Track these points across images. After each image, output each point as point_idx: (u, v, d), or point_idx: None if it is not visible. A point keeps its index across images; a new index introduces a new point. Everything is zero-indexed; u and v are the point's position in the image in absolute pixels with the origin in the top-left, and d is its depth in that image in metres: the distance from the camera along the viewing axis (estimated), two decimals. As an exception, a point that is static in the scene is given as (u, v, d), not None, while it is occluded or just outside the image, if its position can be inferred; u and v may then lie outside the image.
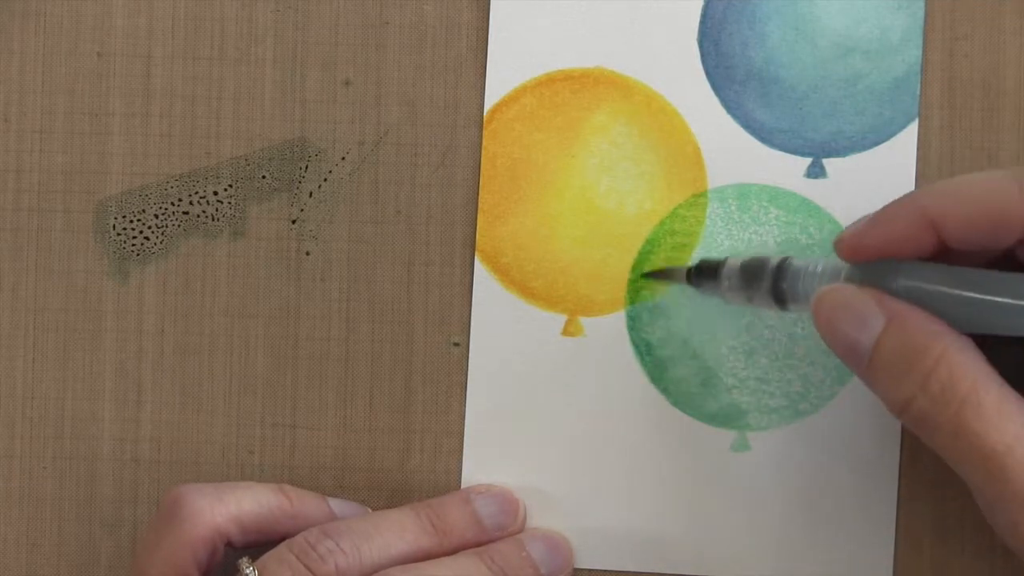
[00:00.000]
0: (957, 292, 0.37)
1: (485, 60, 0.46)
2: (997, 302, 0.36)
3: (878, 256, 0.39)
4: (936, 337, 0.37)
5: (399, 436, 0.46)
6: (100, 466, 0.46)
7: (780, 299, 0.41)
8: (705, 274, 0.43)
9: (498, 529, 0.44)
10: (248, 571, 0.41)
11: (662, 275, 0.45)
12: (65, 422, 0.46)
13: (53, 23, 0.46)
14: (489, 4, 0.46)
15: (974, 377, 0.36)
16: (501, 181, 0.46)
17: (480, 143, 0.46)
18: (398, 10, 0.46)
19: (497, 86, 0.46)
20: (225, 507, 0.42)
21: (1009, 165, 0.46)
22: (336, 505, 0.44)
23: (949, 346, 0.36)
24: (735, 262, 0.42)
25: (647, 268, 0.45)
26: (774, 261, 0.41)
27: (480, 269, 0.46)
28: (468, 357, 0.46)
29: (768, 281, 0.41)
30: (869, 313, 0.38)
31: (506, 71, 0.46)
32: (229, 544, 0.43)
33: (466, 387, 0.46)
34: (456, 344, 0.46)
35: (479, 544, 0.43)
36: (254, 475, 0.46)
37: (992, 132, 0.46)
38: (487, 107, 0.46)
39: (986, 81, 0.46)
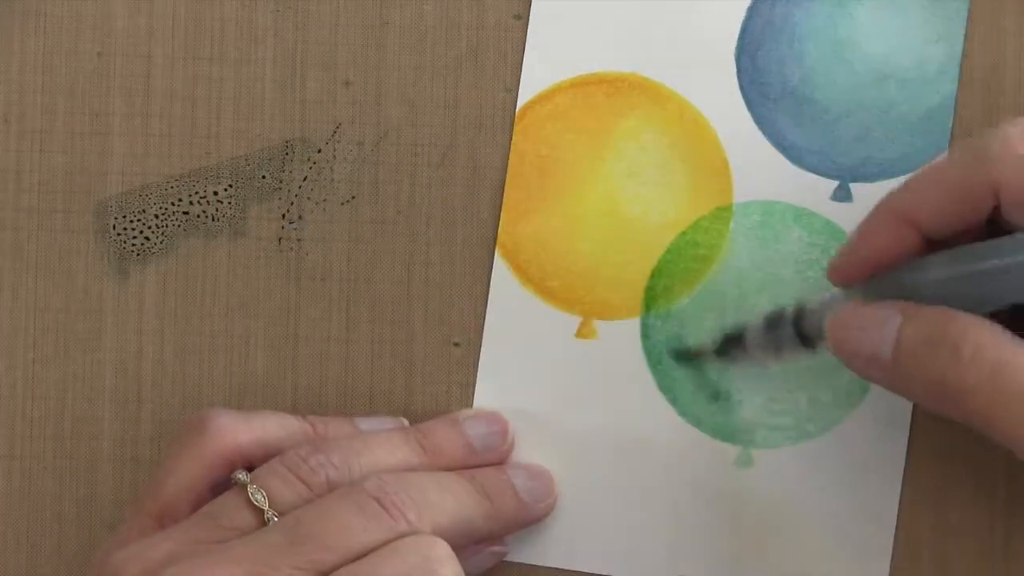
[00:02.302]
0: (956, 270, 0.38)
1: (485, 61, 0.46)
2: (994, 266, 0.38)
3: (870, 272, 0.41)
4: (955, 315, 0.38)
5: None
6: (100, 466, 0.46)
7: (805, 341, 0.42)
8: (731, 342, 0.44)
9: (487, 451, 0.44)
10: (240, 476, 0.41)
11: (690, 354, 0.45)
12: (65, 422, 0.46)
13: (53, 23, 0.46)
14: (530, 4, 0.46)
15: (1002, 340, 0.38)
16: (528, 178, 0.46)
17: (481, 143, 0.46)
18: (398, 10, 0.46)
19: (531, 84, 0.46)
20: (249, 428, 0.42)
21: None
22: (367, 424, 0.44)
23: (969, 319, 0.38)
24: (756, 323, 0.43)
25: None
26: (790, 307, 0.43)
27: (499, 264, 0.46)
28: (479, 351, 0.46)
29: (789, 327, 0.42)
30: (885, 315, 0.39)
31: (541, 69, 0.46)
32: (249, 470, 0.42)
33: (474, 385, 0.46)
34: (456, 344, 0.46)
35: (467, 467, 0.44)
36: (254, 475, 0.46)
37: (992, 132, 0.46)
38: (520, 104, 0.46)
39: (986, 81, 0.46)
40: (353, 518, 0.39)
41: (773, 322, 0.43)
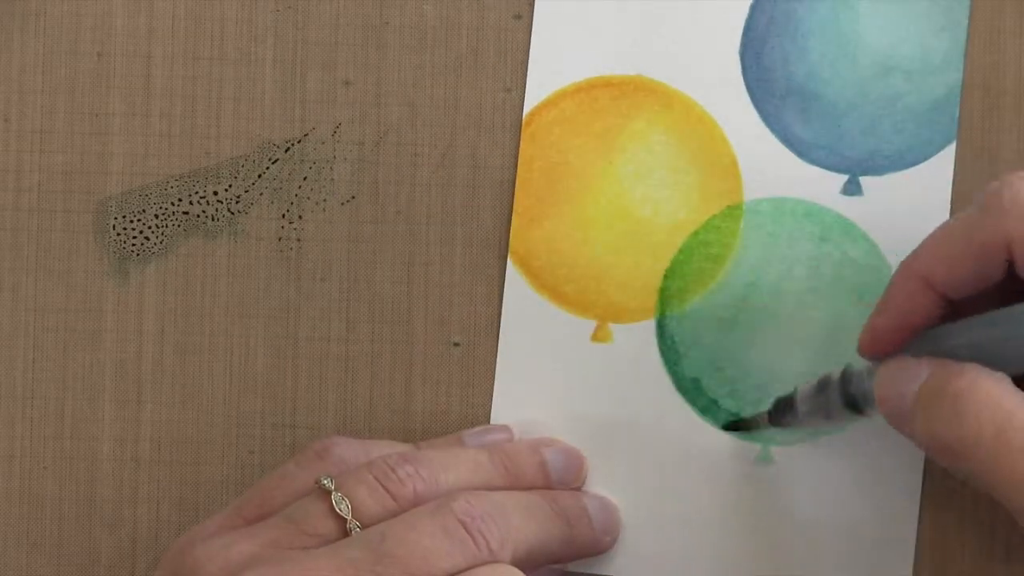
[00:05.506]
0: (969, 338, 0.38)
1: (485, 61, 0.46)
2: (1006, 333, 0.37)
3: (900, 343, 0.40)
4: (964, 369, 0.37)
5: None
6: (100, 466, 0.46)
7: (853, 405, 0.41)
8: (782, 409, 0.43)
9: (561, 482, 0.44)
10: (325, 482, 0.41)
11: (742, 426, 0.45)
12: (65, 422, 0.46)
13: (53, 23, 0.46)
14: (533, 8, 0.46)
15: (1009, 401, 0.36)
16: (537, 184, 0.46)
17: (481, 143, 0.46)
18: (398, 10, 0.46)
19: (536, 89, 0.46)
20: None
21: (1009, 167, 0.46)
22: (473, 438, 0.45)
23: (978, 373, 0.37)
24: (806, 387, 0.42)
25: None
26: (836, 372, 0.42)
27: (512, 271, 0.46)
28: (481, 352, 0.46)
29: (837, 391, 0.41)
30: (917, 370, 0.38)
31: (546, 74, 0.46)
32: None
33: (474, 385, 0.46)
34: (456, 344, 0.46)
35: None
36: (254, 475, 0.46)
37: (992, 132, 0.46)
38: (526, 110, 0.46)
39: (986, 81, 0.46)
40: (438, 542, 0.39)
41: (822, 386, 0.42)
